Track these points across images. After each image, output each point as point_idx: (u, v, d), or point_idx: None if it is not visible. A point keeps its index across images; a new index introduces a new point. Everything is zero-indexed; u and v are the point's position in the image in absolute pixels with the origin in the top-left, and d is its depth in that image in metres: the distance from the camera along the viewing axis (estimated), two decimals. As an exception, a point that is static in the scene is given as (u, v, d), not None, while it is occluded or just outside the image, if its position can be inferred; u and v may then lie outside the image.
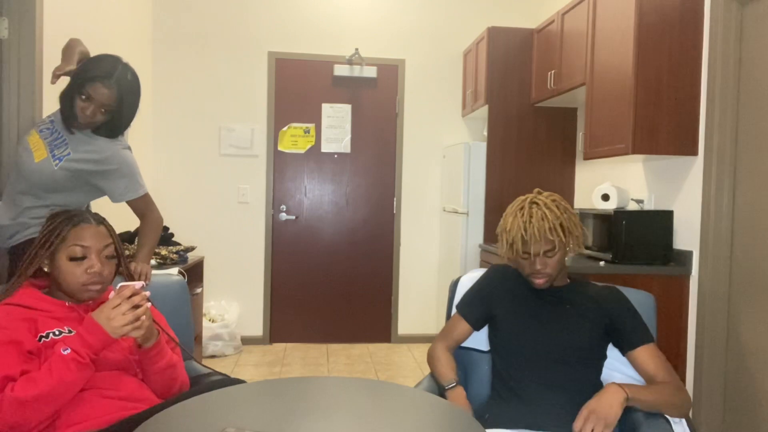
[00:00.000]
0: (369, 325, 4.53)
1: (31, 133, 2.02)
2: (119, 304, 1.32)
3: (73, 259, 1.45)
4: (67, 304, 1.46)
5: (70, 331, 1.41)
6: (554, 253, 1.58)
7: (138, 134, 3.89)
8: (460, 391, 1.59)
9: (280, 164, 4.38)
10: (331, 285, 4.48)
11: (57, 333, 1.39)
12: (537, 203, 1.61)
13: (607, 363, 1.65)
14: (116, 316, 1.31)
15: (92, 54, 2.04)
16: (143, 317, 1.34)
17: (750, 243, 2.43)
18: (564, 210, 1.61)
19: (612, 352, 1.64)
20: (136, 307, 1.34)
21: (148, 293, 1.40)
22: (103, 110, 1.92)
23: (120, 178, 1.99)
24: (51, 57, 2.58)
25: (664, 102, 2.66)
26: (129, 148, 2.09)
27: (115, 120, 1.97)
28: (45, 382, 1.25)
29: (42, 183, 1.95)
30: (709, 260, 2.57)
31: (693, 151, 2.67)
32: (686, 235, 2.74)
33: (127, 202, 2.04)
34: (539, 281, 1.61)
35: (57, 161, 1.94)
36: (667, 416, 1.46)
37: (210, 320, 4.10)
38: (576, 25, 3.26)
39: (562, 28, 3.44)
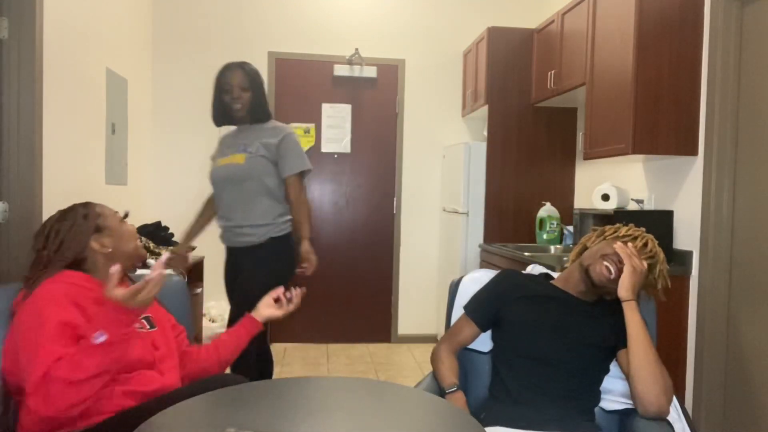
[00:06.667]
0: (369, 325, 4.53)
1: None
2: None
3: (123, 218, 1.58)
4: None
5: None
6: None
7: (138, 134, 3.88)
8: (459, 396, 1.59)
9: (280, 164, 4.37)
10: (331, 285, 4.48)
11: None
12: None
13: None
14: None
15: None
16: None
17: (750, 243, 2.43)
18: (662, 261, 1.65)
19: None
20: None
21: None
22: (243, 89, 2.45)
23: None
24: (51, 57, 2.57)
25: (664, 102, 2.66)
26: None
27: (257, 99, 2.49)
28: (90, 365, 1.25)
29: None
30: (709, 260, 2.57)
31: (693, 151, 2.67)
32: (686, 235, 2.74)
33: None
34: (606, 270, 1.57)
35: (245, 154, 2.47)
36: (656, 410, 1.44)
37: (210, 320, 4.10)
38: (576, 25, 3.26)
39: (562, 28, 3.44)
